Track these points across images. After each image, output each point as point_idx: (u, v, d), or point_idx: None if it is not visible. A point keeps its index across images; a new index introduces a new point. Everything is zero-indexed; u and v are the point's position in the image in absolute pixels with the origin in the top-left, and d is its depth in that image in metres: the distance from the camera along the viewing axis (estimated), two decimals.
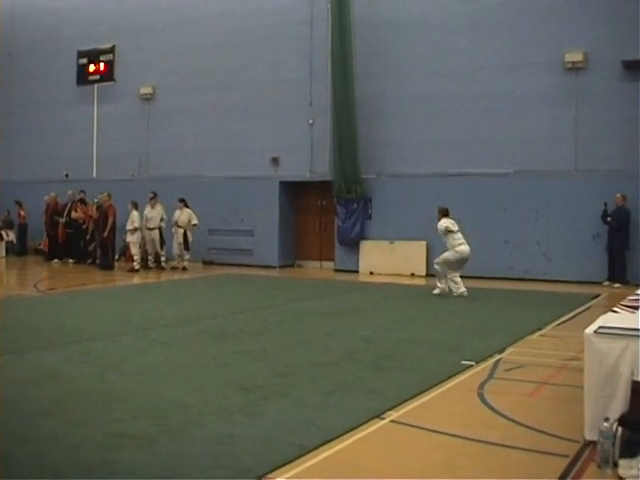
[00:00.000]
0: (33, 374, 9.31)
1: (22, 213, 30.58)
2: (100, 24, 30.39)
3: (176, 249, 25.57)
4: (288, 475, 6.01)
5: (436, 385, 9.01)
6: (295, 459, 6.32)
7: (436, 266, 18.50)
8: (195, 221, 25.41)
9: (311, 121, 25.69)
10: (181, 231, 25.46)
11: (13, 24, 33.13)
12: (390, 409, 7.88)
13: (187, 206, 25.57)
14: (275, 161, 26.37)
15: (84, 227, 26.97)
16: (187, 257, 25.49)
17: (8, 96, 33.01)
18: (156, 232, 25.31)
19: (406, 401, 8.23)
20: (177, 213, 25.54)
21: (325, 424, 7.29)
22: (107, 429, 7.04)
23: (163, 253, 25.63)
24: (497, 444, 6.84)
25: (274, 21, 26.39)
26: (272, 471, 6.04)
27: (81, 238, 27.30)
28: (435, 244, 22.91)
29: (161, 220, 25.34)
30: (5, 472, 5.95)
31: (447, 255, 18.13)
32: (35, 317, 14.46)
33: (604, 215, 21.19)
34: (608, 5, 21.52)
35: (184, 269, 25.08)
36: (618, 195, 21.00)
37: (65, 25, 31.45)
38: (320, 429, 7.13)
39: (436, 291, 18.49)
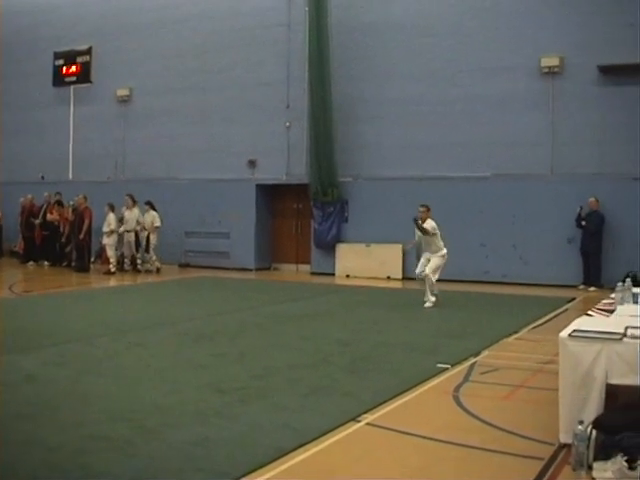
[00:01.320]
0: (8, 377, 9.26)
1: None
2: (77, 25, 30.27)
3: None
4: (264, 477, 6.01)
5: (412, 388, 9.02)
6: (271, 462, 6.33)
7: (433, 278, 16.89)
8: (157, 223, 25.25)
9: (288, 124, 25.68)
10: (144, 234, 25.39)
11: None
12: (366, 412, 7.90)
13: (154, 208, 25.45)
14: (252, 164, 26.34)
15: (61, 230, 26.79)
16: (154, 258, 25.36)
17: None
18: (132, 234, 25.21)
19: (382, 404, 8.25)
20: (145, 215, 25.44)
21: (301, 427, 7.30)
22: (83, 432, 7.03)
23: (139, 255, 25.52)
24: (472, 447, 6.85)
25: (252, 23, 26.36)
26: (248, 474, 6.05)
27: (57, 240, 27.18)
28: (412, 248, 22.98)
29: (137, 223, 25.24)
30: None
31: (438, 262, 16.96)
32: (10, 320, 14.35)
33: (578, 219, 21.29)
34: (584, 10, 21.62)
35: (158, 270, 25.03)
36: (592, 199, 21.11)
37: (41, 26, 31.28)
38: (296, 432, 7.14)
39: (428, 304, 16.82)
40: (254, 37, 26.28)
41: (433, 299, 16.86)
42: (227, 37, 26.85)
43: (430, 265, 16.82)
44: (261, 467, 6.20)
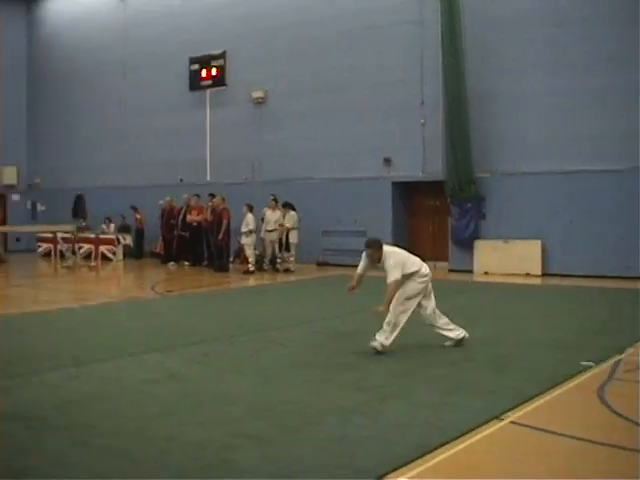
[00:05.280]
0: (153, 374, 9.50)
1: (138, 217, 31.31)
2: (210, 30, 30.87)
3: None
4: (407, 475, 6.01)
5: (555, 386, 8.87)
6: (413, 460, 6.32)
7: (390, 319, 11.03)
8: (296, 224, 25.70)
9: (423, 121, 25.52)
10: (284, 233, 25.79)
11: (126, 33, 33.86)
12: (509, 410, 7.82)
13: (293, 209, 25.70)
14: (387, 161, 26.30)
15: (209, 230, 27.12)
16: (292, 259, 25.77)
17: (123, 103, 33.74)
18: (274, 234, 25.51)
19: (525, 402, 8.15)
20: (286, 216, 25.67)
21: (443, 424, 7.26)
22: (226, 429, 7.16)
23: (280, 255, 25.80)
24: (618, 446, 6.70)
25: (383, 21, 26.36)
26: (391, 471, 6.05)
27: (198, 241, 27.68)
28: (551, 243, 22.64)
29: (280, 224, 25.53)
30: (128, 471, 6.09)
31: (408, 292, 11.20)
32: (152, 319, 14.71)
33: None
34: None
35: (288, 270, 25.49)
36: None
37: (176, 32, 32.04)
38: (438, 429, 7.11)
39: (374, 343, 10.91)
40: (386, 35, 26.26)
41: (379, 339, 10.94)
42: (359, 36, 26.91)
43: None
44: (404, 465, 6.19)
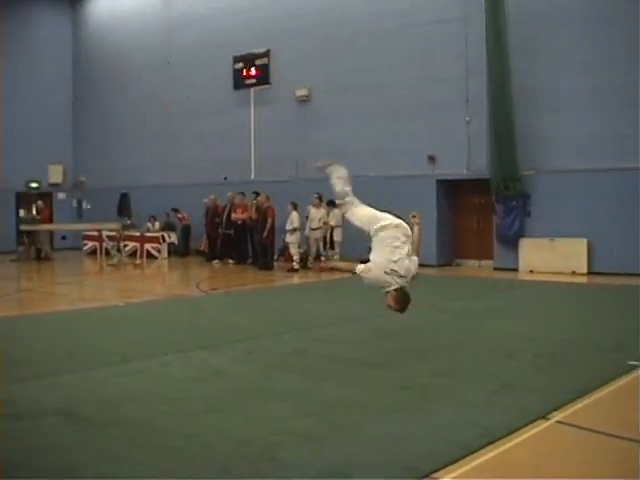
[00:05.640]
0: (198, 372, 9.52)
1: (180, 216, 31.62)
2: (254, 29, 30.91)
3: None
4: (453, 475, 5.98)
5: (601, 386, 8.77)
6: (459, 459, 6.28)
7: None
8: (337, 222, 25.50)
9: (468, 118, 25.37)
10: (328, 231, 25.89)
11: (170, 33, 34.02)
12: (555, 410, 7.72)
13: (336, 207, 25.78)
14: (432, 159, 26.19)
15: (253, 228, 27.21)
16: (337, 257, 25.61)
17: (167, 103, 33.87)
18: (318, 232, 25.58)
19: (571, 402, 8.05)
20: (330, 214, 25.70)
21: (489, 424, 7.20)
22: (272, 426, 7.15)
23: (324, 253, 25.81)
24: None
25: (427, 19, 26.20)
26: (436, 470, 6.02)
27: (243, 239, 27.76)
28: (597, 241, 22.41)
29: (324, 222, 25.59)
30: (173, 467, 6.13)
31: None
32: (197, 317, 14.77)
33: None
34: None
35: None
36: None
37: (220, 31, 32.14)
38: (484, 429, 7.04)
39: None
40: (430, 32, 26.09)
41: None
42: (402, 34, 26.78)
43: None
44: (449, 464, 6.16)
